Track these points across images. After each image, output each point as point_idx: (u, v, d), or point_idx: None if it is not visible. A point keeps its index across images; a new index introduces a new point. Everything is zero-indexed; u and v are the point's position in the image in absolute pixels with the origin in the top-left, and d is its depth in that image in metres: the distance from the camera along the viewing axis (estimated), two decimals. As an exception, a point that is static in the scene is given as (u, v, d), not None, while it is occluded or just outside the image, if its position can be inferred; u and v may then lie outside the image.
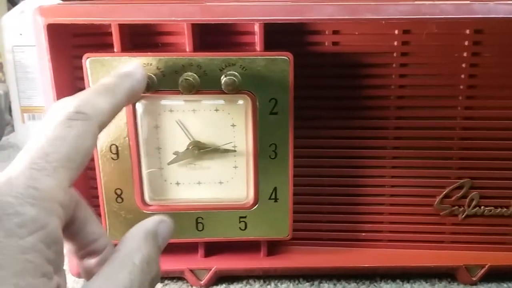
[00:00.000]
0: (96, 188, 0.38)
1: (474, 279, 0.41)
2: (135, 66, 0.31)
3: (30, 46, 0.71)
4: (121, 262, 0.23)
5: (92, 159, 0.37)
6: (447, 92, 0.38)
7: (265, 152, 0.37)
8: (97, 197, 0.38)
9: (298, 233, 0.41)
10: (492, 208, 0.41)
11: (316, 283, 0.41)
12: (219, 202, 0.39)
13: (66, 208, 0.22)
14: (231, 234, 0.39)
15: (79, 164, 0.23)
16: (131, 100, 0.29)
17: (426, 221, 0.42)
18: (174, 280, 0.42)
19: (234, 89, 0.35)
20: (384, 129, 0.39)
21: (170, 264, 0.40)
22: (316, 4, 0.35)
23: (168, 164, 0.38)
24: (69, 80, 0.38)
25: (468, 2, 0.35)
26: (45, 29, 0.35)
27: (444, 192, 0.41)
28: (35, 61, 0.71)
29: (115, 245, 0.25)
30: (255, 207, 0.39)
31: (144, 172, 0.38)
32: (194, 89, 0.35)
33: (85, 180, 0.40)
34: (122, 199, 0.38)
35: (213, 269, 0.40)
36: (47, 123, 0.23)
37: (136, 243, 0.24)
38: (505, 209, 0.41)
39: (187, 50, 0.36)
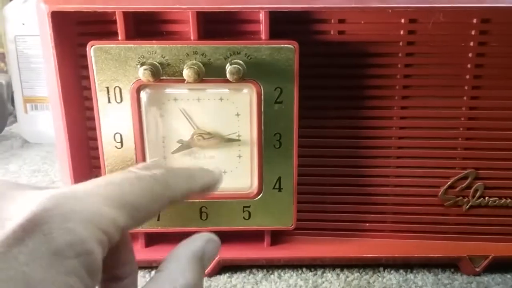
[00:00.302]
0: (100, 176, 0.38)
1: (477, 269, 0.41)
2: (217, 168, 0.30)
3: (33, 36, 0.71)
4: (164, 286, 0.22)
5: (96, 148, 0.37)
6: (453, 82, 0.38)
7: (269, 142, 0.37)
8: (101, 185, 0.38)
9: (302, 223, 0.41)
10: (497, 199, 0.41)
11: (319, 273, 0.42)
12: (223, 191, 0.39)
13: (111, 242, 0.21)
14: (235, 223, 0.39)
15: (139, 218, 0.23)
16: (203, 193, 0.29)
17: (430, 211, 0.42)
18: (178, 269, 0.42)
19: (239, 78, 0.34)
20: (389, 119, 0.39)
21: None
22: (322, -8, 0.35)
23: (172, 153, 0.38)
24: (73, 68, 0.38)
25: (475, -9, 0.35)
26: (49, 17, 0.35)
27: (449, 183, 0.40)
28: (38, 51, 0.71)
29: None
30: (259, 196, 0.39)
31: (148, 161, 0.38)
32: (198, 78, 0.34)
33: (89, 169, 0.40)
34: (126, 188, 0.38)
35: (216, 258, 0.40)
36: (137, 169, 0.24)
37: (181, 266, 0.23)
38: (509, 200, 0.41)
39: (192, 38, 0.36)
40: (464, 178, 0.40)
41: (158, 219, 0.39)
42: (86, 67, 0.36)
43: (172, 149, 0.38)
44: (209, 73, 0.35)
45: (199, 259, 0.24)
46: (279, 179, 0.38)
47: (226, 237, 0.42)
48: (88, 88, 0.37)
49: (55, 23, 0.35)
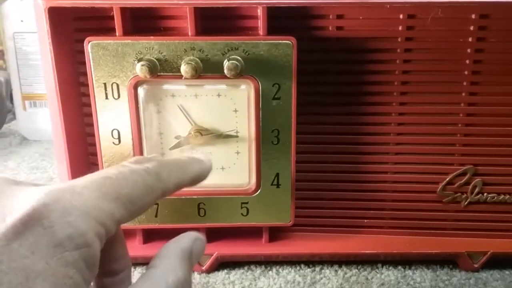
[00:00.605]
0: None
1: (476, 266, 0.41)
2: (205, 156, 0.31)
3: (31, 33, 0.71)
4: (157, 281, 0.23)
5: (94, 144, 0.37)
6: (451, 78, 0.38)
7: (267, 138, 0.37)
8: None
9: (300, 219, 0.41)
10: (495, 195, 0.41)
11: (317, 269, 0.42)
12: (221, 187, 0.39)
13: (108, 236, 0.22)
14: (233, 219, 0.39)
15: (134, 211, 0.23)
16: (194, 183, 0.29)
17: (429, 208, 0.42)
18: (176, 266, 0.42)
19: (237, 74, 0.34)
20: (388, 115, 0.39)
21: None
22: (320, -12, 0.35)
23: (170, 149, 0.38)
24: (71, 64, 0.38)
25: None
26: (46, 13, 0.34)
27: (447, 179, 0.40)
28: (36, 48, 0.71)
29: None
30: (257, 193, 0.39)
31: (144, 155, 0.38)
32: (196, 74, 0.34)
33: (87, 165, 0.40)
34: (124, 184, 0.38)
35: (214, 254, 0.40)
36: (130, 163, 0.24)
37: (172, 263, 0.24)
38: (508, 196, 0.41)
39: (190, 34, 0.36)
40: (463, 174, 0.40)
41: (156, 216, 0.39)
42: (83, 63, 0.36)
43: (169, 145, 0.38)
44: (207, 69, 0.35)
45: (189, 257, 0.25)
46: (277, 175, 0.38)
47: (224, 234, 0.42)
48: (86, 84, 0.37)
49: (52, 19, 0.35)
